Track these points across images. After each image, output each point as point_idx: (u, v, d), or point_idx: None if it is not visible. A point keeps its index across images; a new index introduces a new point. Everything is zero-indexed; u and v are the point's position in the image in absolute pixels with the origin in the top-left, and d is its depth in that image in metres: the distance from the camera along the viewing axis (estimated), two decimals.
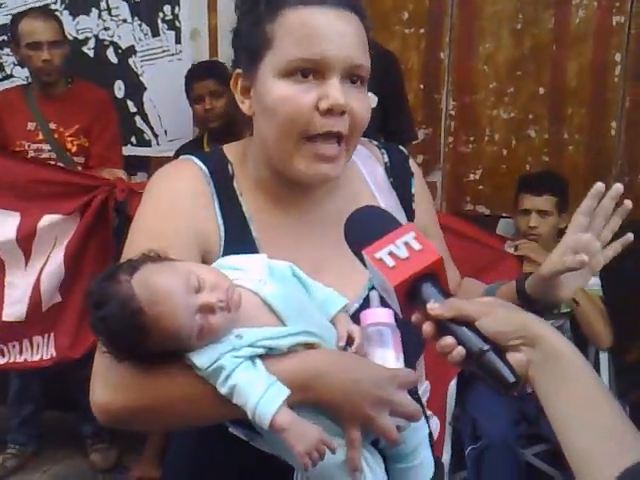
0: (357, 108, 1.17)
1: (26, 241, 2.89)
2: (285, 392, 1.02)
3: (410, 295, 0.94)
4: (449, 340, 0.90)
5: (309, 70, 1.14)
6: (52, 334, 3.01)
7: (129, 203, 2.86)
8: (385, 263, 0.94)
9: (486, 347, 0.88)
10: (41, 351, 3.01)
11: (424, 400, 1.43)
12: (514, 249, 2.97)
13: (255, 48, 1.18)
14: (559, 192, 3.05)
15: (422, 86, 3.64)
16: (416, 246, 0.95)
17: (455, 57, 3.62)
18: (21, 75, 3.79)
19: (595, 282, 2.99)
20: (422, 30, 3.61)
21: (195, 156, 1.29)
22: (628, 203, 1.17)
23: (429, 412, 1.46)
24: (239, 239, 1.22)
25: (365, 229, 1.01)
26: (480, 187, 3.69)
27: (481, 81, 3.61)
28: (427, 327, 0.92)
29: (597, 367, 2.91)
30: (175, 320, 1.01)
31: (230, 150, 1.31)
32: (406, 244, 0.95)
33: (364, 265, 0.99)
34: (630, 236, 1.18)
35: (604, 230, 1.18)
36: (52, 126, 3.34)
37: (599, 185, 1.15)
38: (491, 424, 2.82)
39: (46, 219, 2.88)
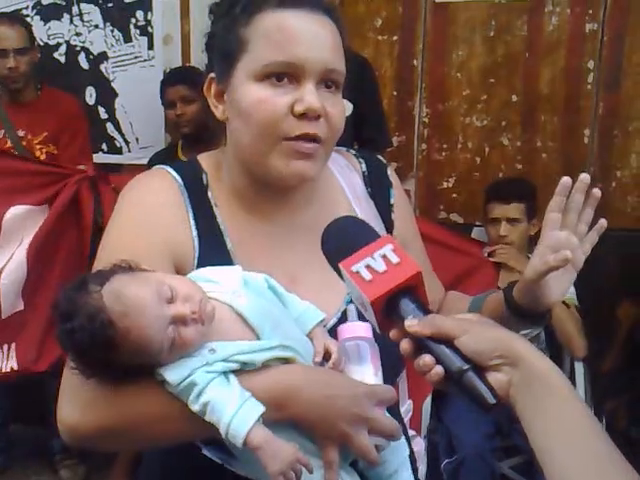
0: (332, 113, 1.15)
1: None
2: (260, 409, 0.99)
3: (388, 310, 0.91)
4: (427, 359, 0.87)
5: (284, 74, 1.13)
6: (13, 345, 2.77)
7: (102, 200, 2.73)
8: (362, 276, 0.91)
9: (466, 366, 0.85)
10: (2, 363, 2.78)
11: (406, 419, 1.40)
12: (489, 255, 2.97)
13: (230, 52, 1.17)
14: (527, 199, 3.05)
15: (395, 93, 3.65)
16: (394, 259, 0.92)
17: (428, 64, 3.63)
18: None
19: (570, 290, 3.00)
20: (395, 37, 3.62)
21: (169, 166, 1.26)
22: (597, 191, 1.14)
23: (412, 432, 1.43)
24: (214, 251, 1.19)
25: (342, 240, 0.98)
26: (454, 195, 3.70)
27: (454, 88, 3.62)
28: (405, 344, 0.89)
29: (572, 376, 2.91)
30: (146, 332, 0.98)
31: (205, 160, 1.29)
32: (384, 257, 0.92)
33: (341, 278, 0.96)
34: (603, 222, 1.16)
35: (579, 224, 1.15)
36: (20, 133, 3.30)
37: (565, 179, 1.12)
38: (467, 437, 2.81)
39: (12, 211, 2.67)
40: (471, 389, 0.84)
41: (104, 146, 3.80)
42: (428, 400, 2.76)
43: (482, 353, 0.85)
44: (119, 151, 3.81)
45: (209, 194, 1.24)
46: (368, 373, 1.10)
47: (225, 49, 1.18)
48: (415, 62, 3.62)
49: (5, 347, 2.78)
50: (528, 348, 0.86)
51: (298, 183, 1.19)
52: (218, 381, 0.99)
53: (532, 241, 3.09)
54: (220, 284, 1.10)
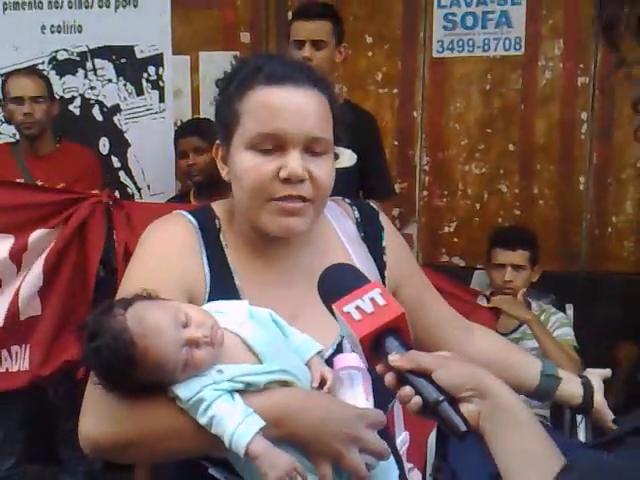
0: (318, 174, 1.28)
1: (17, 254, 2.85)
2: (260, 423, 1.10)
3: (375, 347, 1.02)
4: (407, 390, 0.98)
5: (270, 143, 1.26)
6: (28, 345, 2.93)
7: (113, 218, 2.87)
8: (352, 316, 1.02)
9: (441, 398, 0.95)
10: (19, 361, 2.94)
11: (403, 450, 1.50)
12: (486, 301, 3.06)
13: (227, 123, 1.31)
14: (531, 246, 3.16)
15: (396, 143, 3.78)
16: (381, 302, 1.03)
17: (427, 115, 3.77)
18: (8, 132, 3.89)
19: (568, 332, 3.08)
20: (395, 90, 3.77)
21: (187, 211, 1.40)
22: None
23: (410, 465, 1.52)
24: (224, 287, 1.32)
25: (336, 284, 1.10)
26: (455, 239, 3.81)
27: (453, 138, 3.75)
28: (389, 377, 1.01)
29: (573, 421, 2.96)
30: (163, 352, 1.10)
31: (218, 207, 1.43)
32: (372, 299, 1.03)
33: (335, 317, 1.07)
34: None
35: None
36: (39, 183, 3.42)
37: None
38: (470, 477, 2.85)
39: (35, 234, 2.85)
40: (445, 418, 0.95)
41: (117, 193, 3.92)
42: (433, 436, 2.82)
43: (455, 386, 0.96)
44: (131, 198, 3.94)
45: (221, 237, 1.37)
46: (360, 398, 1.20)
47: (224, 120, 1.33)
48: (415, 114, 3.76)
49: (23, 346, 2.94)
50: (495, 382, 0.98)
51: (288, 236, 1.33)
52: (224, 398, 1.11)
53: (532, 286, 3.19)
54: (229, 315, 1.22)
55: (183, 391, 1.11)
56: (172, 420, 1.14)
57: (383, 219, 1.51)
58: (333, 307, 1.05)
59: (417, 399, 0.97)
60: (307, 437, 1.14)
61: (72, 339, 2.94)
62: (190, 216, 1.38)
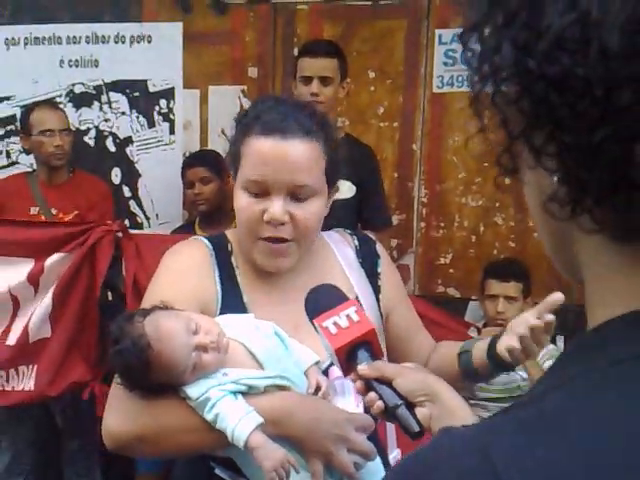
0: (300, 217, 1.43)
1: (34, 277, 2.97)
2: (259, 419, 1.25)
3: (349, 357, 1.17)
4: (372, 395, 1.14)
5: (257, 189, 1.42)
6: (35, 367, 3.01)
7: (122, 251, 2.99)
8: (330, 330, 1.18)
9: (399, 402, 1.11)
10: (25, 380, 3.01)
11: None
12: (477, 332, 3.18)
13: (233, 161, 1.49)
14: (523, 279, 3.22)
15: (396, 175, 3.88)
16: (355, 318, 1.19)
17: (426, 149, 3.86)
18: (25, 162, 4.06)
19: (560, 347, 3.18)
20: (396, 124, 3.87)
21: (204, 236, 1.59)
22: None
23: None
24: (233, 303, 1.49)
25: (318, 302, 1.26)
26: (451, 270, 3.89)
27: (451, 171, 3.83)
28: (358, 384, 1.17)
29: None
30: (175, 355, 1.26)
31: (231, 233, 1.60)
32: (347, 316, 1.19)
33: (317, 331, 1.23)
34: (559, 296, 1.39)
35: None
36: (53, 211, 3.55)
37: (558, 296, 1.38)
38: None
39: (52, 258, 2.98)
40: (402, 420, 1.11)
41: (127, 222, 4.06)
42: None
43: (411, 392, 1.12)
44: (140, 226, 4.08)
45: (232, 259, 1.54)
46: (350, 405, 1.36)
47: (232, 158, 1.50)
48: (414, 147, 3.87)
49: (30, 367, 3.02)
50: (444, 388, 1.13)
51: (277, 272, 1.49)
52: (228, 398, 1.26)
53: None
54: (236, 327, 1.38)
55: (192, 391, 1.27)
56: (183, 417, 1.29)
57: (379, 248, 1.67)
58: (314, 322, 1.21)
59: (380, 403, 1.13)
60: (301, 436, 1.28)
61: (79, 361, 3.10)
62: (206, 241, 1.56)
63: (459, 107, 3.81)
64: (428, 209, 3.90)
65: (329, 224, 1.63)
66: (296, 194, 1.43)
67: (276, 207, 1.41)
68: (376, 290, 1.61)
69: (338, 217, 2.80)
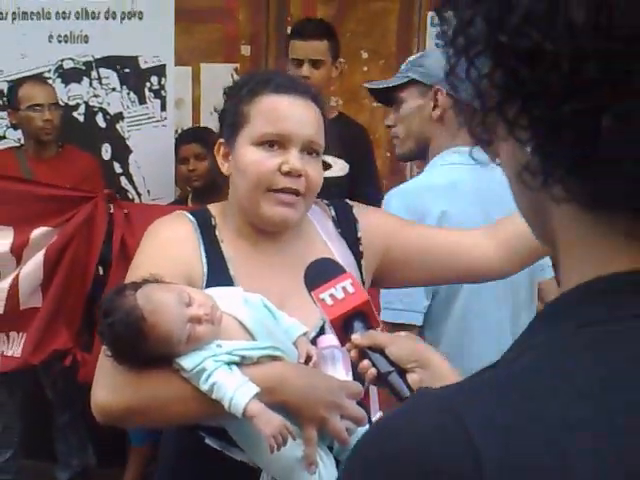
0: (312, 173, 1.48)
1: (19, 249, 3.00)
2: (255, 388, 1.25)
3: (345, 327, 1.20)
4: (365, 363, 1.17)
5: (275, 142, 1.46)
6: (25, 335, 3.05)
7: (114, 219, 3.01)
8: (326, 302, 1.21)
9: (391, 369, 1.14)
10: (14, 347, 3.05)
11: None
12: None
13: (236, 123, 1.50)
14: None
15: (389, 154, 3.88)
16: (351, 290, 1.22)
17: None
18: (13, 137, 4.01)
19: None
20: None
21: (187, 211, 1.59)
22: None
23: None
24: (219, 276, 1.48)
25: (316, 275, 1.28)
26: None
27: None
28: (353, 353, 1.19)
29: None
30: (169, 327, 1.25)
31: (213, 208, 1.61)
32: (344, 288, 1.22)
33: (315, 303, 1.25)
34: None
35: None
36: None
37: None
38: None
39: (37, 231, 3.00)
40: (393, 386, 1.13)
41: (117, 197, 4.06)
42: None
43: (402, 359, 1.14)
44: (131, 202, 4.00)
45: (216, 233, 1.54)
46: (340, 372, 1.38)
47: (232, 120, 1.51)
48: None
49: (19, 334, 3.06)
50: (435, 356, 1.17)
51: (283, 226, 1.51)
52: (223, 368, 1.26)
53: None
54: (226, 300, 1.38)
55: (187, 362, 1.27)
56: (176, 387, 1.29)
57: (356, 212, 1.67)
58: (312, 294, 1.24)
59: (373, 370, 1.15)
60: (295, 403, 1.30)
61: (62, 329, 3.12)
62: (190, 215, 1.56)
63: None
64: None
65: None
66: (309, 149, 1.48)
67: (296, 158, 1.45)
68: (358, 257, 1.62)
69: (332, 195, 2.80)
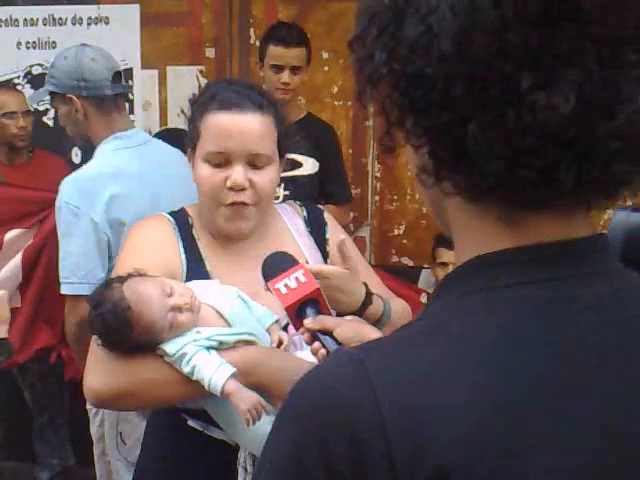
0: (259, 183, 1.59)
1: None
2: (232, 369, 1.40)
3: (299, 314, 1.33)
4: (316, 344, 1.31)
5: (219, 159, 1.57)
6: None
7: None
8: (281, 291, 1.34)
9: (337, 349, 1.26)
10: None
11: None
12: (427, 298, 3.37)
13: (192, 137, 1.63)
14: None
15: (351, 151, 3.99)
16: (302, 279, 1.35)
17: (379, 126, 3.97)
18: None
19: None
20: (349, 102, 3.96)
21: (166, 212, 1.72)
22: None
23: None
24: (197, 271, 1.63)
25: (272, 267, 1.41)
26: (404, 241, 4.02)
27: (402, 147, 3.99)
28: (305, 336, 1.33)
29: None
30: (153, 316, 1.40)
31: (190, 208, 1.75)
32: (296, 278, 1.35)
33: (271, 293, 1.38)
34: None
35: None
36: None
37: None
38: None
39: (11, 233, 3.11)
40: None
41: None
42: None
43: (348, 339, 1.28)
44: None
45: (193, 232, 1.69)
46: (309, 356, 1.51)
47: (191, 135, 1.64)
48: (367, 123, 3.98)
49: None
50: (377, 334, 1.30)
51: (239, 236, 1.64)
52: (202, 352, 1.41)
53: None
54: (204, 291, 1.53)
55: (169, 347, 1.41)
56: (161, 371, 1.44)
57: (327, 216, 1.83)
58: (267, 285, 1.37)
59: (323, 351, 1.29)
60: (269, 383, 1.44)
61: (44, 327, 3.20)
62: (169, 216, 1.70)
63: None
64: (382, 183, 4.02)
65: (296, 199, 1.77)
66: (254, 162, 1.58)
67: (238, 174, 1.56)
68: (325, 255, 1.77)
69: (303, 192, 2.96)
